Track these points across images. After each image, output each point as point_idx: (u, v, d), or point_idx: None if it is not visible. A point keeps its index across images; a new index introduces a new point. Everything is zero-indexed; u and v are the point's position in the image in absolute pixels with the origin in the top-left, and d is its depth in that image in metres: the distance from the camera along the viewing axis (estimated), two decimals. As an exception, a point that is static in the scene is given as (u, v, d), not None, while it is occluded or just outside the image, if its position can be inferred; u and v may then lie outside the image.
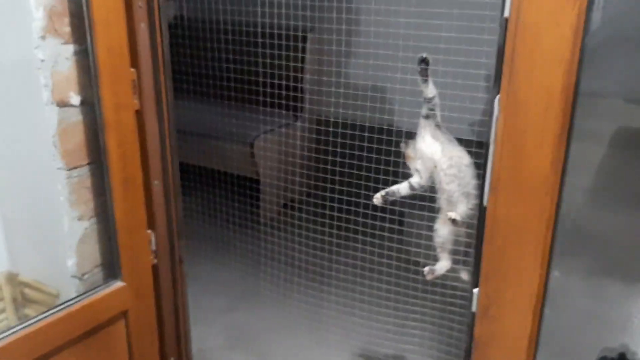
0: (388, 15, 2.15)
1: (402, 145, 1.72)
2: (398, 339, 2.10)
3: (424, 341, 2.01)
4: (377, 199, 1.72)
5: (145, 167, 1.73)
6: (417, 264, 2.28)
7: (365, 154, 2.21)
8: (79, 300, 1.64)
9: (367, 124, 2.36)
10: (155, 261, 1.84)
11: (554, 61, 1.10)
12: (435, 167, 1.60)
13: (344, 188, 2.31)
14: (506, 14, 1.12)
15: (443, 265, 1.66)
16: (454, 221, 1.54)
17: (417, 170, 1.66)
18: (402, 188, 1.68)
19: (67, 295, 1.70)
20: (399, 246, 2.32)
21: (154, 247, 1.82)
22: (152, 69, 1.69)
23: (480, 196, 1.28)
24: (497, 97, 1.18)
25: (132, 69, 1.64)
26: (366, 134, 2.22)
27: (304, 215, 2.50)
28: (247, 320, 2.62)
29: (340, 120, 2.42)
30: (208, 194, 2.99)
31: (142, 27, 1.65)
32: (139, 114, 1.68)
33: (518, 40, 1.11)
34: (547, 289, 1.27)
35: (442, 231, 1.67)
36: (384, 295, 2.25)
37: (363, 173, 2.14)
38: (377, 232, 2.26)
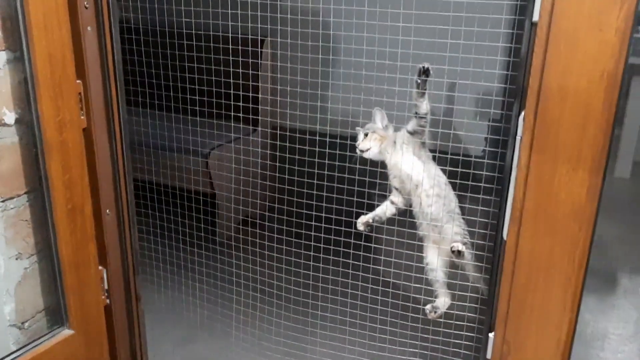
0: (352, 18, 1.98)
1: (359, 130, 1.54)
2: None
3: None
4: (361, 225, 1.54)
5: (95, 194, 1.49)
6: (386, 284, 2.13)
7: (327, 163, 2.04)
8: (19, 355, 1.39)
9: (327, 133, 2.20)
10: (108, 301, 1.60)
11: (594, 72, 0.94)
12: (417, 187, 1.44)
13: (305, 201, 2.12)
14: (535, 17, 0.96)
15: (444, 301, 1.49)
16: (459, 253, 1.38)
17: (394, 188, 1.50)
18: (387, 210, 1.51)
19: (5, 349, 1.43)
20: (369, 265, 2.15)
21: (106, 286, 1.58)
22: (101, 80, 1.45)
23: (498, 228, 1.12)
24: (522, 115, 1.01)
25: (78, 81, 1.40)
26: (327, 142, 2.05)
27: (266, 233, 2.30)
28: (208, 352, 2.39)
29: (297, 130, 2.24)
30: (160, 213, 2.74)
31: (89, 32, 1.41)
32: (86, 132, 1.44)
33: (551, 48, 0.95)
34: (574, 336, 1.12)
35: (434, 262, 1.50)
36: (357, 320, 2.07)
37: (325, 183, 1.98)
38: (343, 250, 2.08)
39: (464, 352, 1.40)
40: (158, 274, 2.62)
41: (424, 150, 1.50)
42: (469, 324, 1.39)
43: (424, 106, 1.40)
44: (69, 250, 1.42)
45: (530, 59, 0.98)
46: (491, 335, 1.17)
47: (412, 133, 1.49)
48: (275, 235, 2.27)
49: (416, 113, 1.42)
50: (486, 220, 1.31)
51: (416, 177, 1.47)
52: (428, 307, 1.52)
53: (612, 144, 1.00)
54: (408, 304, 1.81)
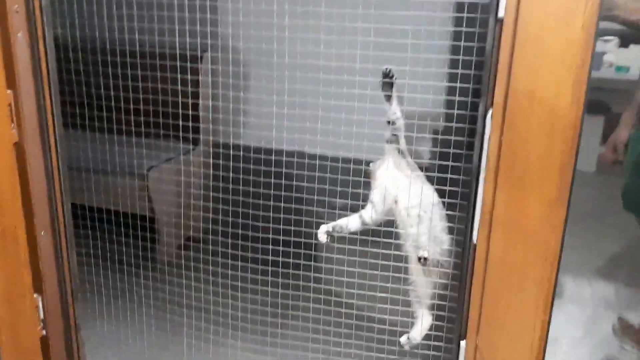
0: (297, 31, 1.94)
1: (371, 165, 1.47)
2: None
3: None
4: (322, 235, 1.48)
5: (29, 215, 1.35)
6: (339, 304, 2.07)
7: (272, 181, 1.98)
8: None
9: (273, 149, 2.14)
10: (44, 332, 1.45)
11: (561, 69, 0.92)
12: (396, 203, 1.38)
13: (249, 222, 2.04)
14: (501, 14, 0.94)
15: (422, 327, 1.40)
16: (424, 260, 1.33)
17: (371, 202, 1.43)
18: (351, 222, 1.45)
19: None
20: (317, 285, 2.09)
21: (42, 316, 1.44)
22: (34, 90, 1.33)
23: (467, 231, 1.08)
24: (490, 113, 0.99)
25: (9, 91, 1.27)
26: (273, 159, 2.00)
27: (208, 257, 2.20)
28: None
29: (242, 147, 2.17)
30: (95, 238, 2.58)
31: (20, 38, 1.30)
32: (18, 147, 1.31)
33: (518, 44, 0.93)
34: (547, 340, 1.09)
35: (420, 282, 1.43)
36: (309, 337, 1.99)
37: (271, 203, 1.91)
38: (291, 271, 2.01)
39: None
40: (99, 302, 2.46)
41: (405, 161, 1.43)
42: (437, 333, 1.34)
43: (392, 111, 1.35)
44: (0, 280, 1.28)
45: (497, 56, 0.96)
46: (463, 343, 1.13)
47: (388, 142, 1.44)
48: (220, 259, 2.18)
49: (387, 120, 1.38)
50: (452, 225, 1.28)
51: (394, 191, 1.41)
52: (403, 338, 1.44)
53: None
54: (362, 323, 1.76)
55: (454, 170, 1.19)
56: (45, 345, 1.47)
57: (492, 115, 0.98)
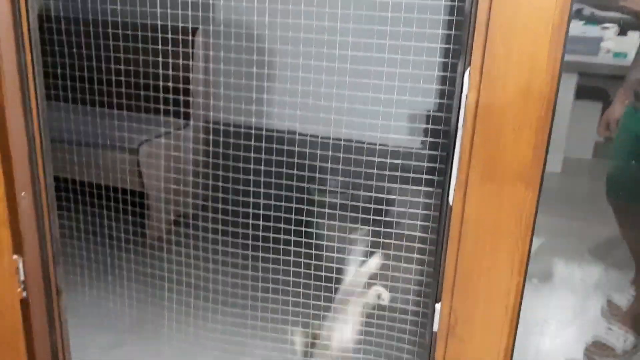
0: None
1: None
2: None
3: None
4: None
5: (9, 176, 1.35)
6: (329, 279, 2.07)
7: (263, 161, 1.97)
8: None
9: (264, 129, 2.13)
10: (24, 294, 1.45)
11: (539, 27, 0.92)
12: None
13: (240, 198, 2.04)
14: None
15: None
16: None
17: None
18: None
19: None
20: (308, 261, 2.09)
21: (22, 277, 1.44)
22: (14, 48, 1.32)
23: (444, 193, 1.08)
24: (468, 70, 0.98)
25: (-13, 49, 1.26)
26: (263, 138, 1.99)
27: (199, 233, 2.19)
28: (138, 356, 2.25)
29: (232, 125, 2.16)
30: (85, 213, 2.57)
31: (0, -5, 1.28)
32: (-2, 107, 1.31)
33: (495, 2, 0.92)
34: (522, 301, 1.09)
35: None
36: (297, 313, 1.99)
37: (262, 179, 1.90)
38: (282, 247, 2.01)
39: (410, 327, 1.36)
40: (83, 276, 2.46)
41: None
42: (414, 298, 1.35)
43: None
44: (-23, 236, 1.28)
45: (472, 14, 0.95)
46: (438, 306, 1.13)
47: None
48: (210, 235, 2.17)
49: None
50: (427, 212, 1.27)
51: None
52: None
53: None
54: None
55: (433, 134, 1.19)
56: (25, 307, 1.47)
57: (469, 74, 0.97)
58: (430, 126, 1.22)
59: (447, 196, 1.07)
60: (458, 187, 1.05)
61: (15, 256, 1.41)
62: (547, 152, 0.98)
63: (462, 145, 1.02)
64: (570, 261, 2.74)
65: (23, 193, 1.40)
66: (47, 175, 1.46)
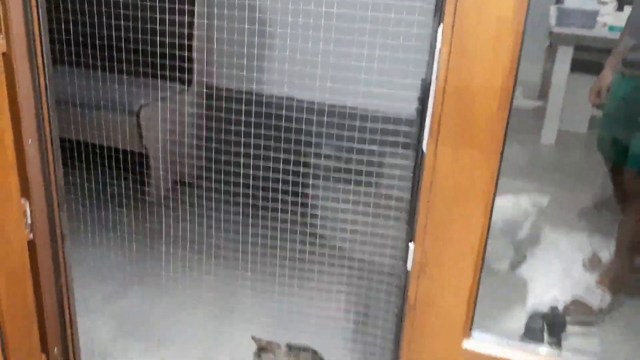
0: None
1: None
2: (310, 313, 1.96)
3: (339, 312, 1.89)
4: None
5: (16, 122, 1.44)
6: (322, 237, 2.17)
7: (262, 125, 2.04)
8: None
9: (264, 94, 2.20)
10: (31, 237, 1.55)
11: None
12: None
13: (241, 161, 2.11)
14: None
15: None
16: None
17: None
18: None
19: None
20: (304, 220, 2.18)
21: (29, 220, 1.54)
22: (22, 13, 1.40)
23: (419, 142, 1.17)
24: (440, 27, 1.06)
25: (-4, 1, 1.34)
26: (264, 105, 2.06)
27: (198, 197, 2.28)
28: (139, 307, 2.36)
29: (234, 90, 2.23)
30: (88, 173, 2.66)
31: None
32: (6, 57, 1.39)
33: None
34: (487, 244, 1.19)
35: None
36: (291, 268, 2.09)
37: (261, 142, 1.98)
38: (280, 207, 2.11)
39: (388, 271, 1.47)
40: (86, 232, 2.56)
41: None
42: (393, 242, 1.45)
43: None
44: (-12, 179, 1.38)
45: (448, -28, 1.02)
46: (411, 245, 1.23)
47: None
48: (213, 195, 2.25)
49: None
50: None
51: None
52: None
53: (539, 114, 1.07)
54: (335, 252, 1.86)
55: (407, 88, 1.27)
56: (32, 249, 1.57)
57: (442, 30, 1.05)
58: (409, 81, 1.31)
59: (421, 145, 1.16)
60: (431, 136, 1.13)
61: (22, 200, 1.50)
62: (512, 99, 1.07)
63: (435, 96, 1.10)
64: (559, 228, 2.84)
65: (30, 140, 1.49)
66: (52, 125, 1.55)
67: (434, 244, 1.20)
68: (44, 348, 1.69)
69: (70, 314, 1.76)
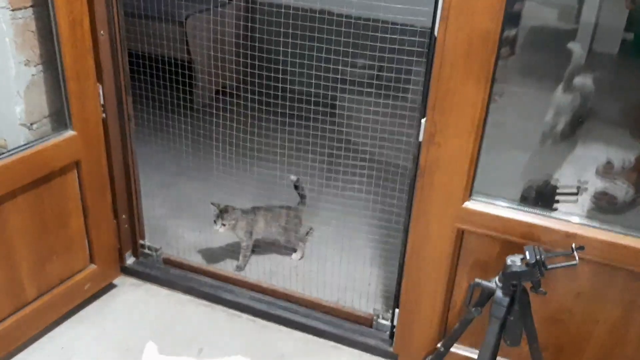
0: None
1: None
2: (340, 201, 2.21)
3: (362, 202, 2.13)
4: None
5: (92, 16, 1.68)
6: (348, 142, 2.38)
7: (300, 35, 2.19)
8: (30, 147, 1.63)
9: (300, 6, 2.33)
10: (104, 115, 1.83)
11: None
12: None
13: (279, 76, 2.28)
14: None
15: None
16: None
17: None
18: None
19: (16, 144, 1.67)
20: (332, 127, 2.39)
21: (102, 101, 1.81)
22: None
23: (432, 29, 1.37)
24: None
25: None
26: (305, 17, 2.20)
27: (237, 101, 2.49)
28: (185, 193, 2.67)
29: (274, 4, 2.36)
30: (138, 80, 2.88)
31: None
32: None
33: None
34: (487, 115, 1.41)
35: None
36: (320, 167, 2.32)
37: (300, 53, 2.14)
38: (312, 116, 2.29)
39: (403, 144, 1.71)
40: (142, 133, 2.82)
41: None
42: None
43: None
44: (71, 61, 1.64)
45: None
46: (423, 120, 1.46)
47: None
48: (246, 104, 2.43)
49: None
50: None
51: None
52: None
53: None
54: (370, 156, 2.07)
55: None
56: (105, 126, 1.85)
57: None
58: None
59: (433, 30, 1.37)
60: (441, 20, 1.34)
61: (97, 83, 1.77)
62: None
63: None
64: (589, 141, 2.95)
65: (102, 32, 1.75)
66: (120, 19, 1.79)
67: (441, 115, 1.43)
68: (115, 214, 2.01)
69: (136, 187, 2.06)
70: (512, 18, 1.42)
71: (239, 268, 2.17)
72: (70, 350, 1.81)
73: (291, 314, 1.95)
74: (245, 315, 1.99)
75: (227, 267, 2.18)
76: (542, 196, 1.61)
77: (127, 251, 2.14)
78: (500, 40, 1.32)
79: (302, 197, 2.26)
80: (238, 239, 2.20)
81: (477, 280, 1.40)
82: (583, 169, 1.98)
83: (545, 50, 1.68)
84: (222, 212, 2.10)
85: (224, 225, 2.10)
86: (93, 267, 1.94)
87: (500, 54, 1.34)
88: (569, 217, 1.47)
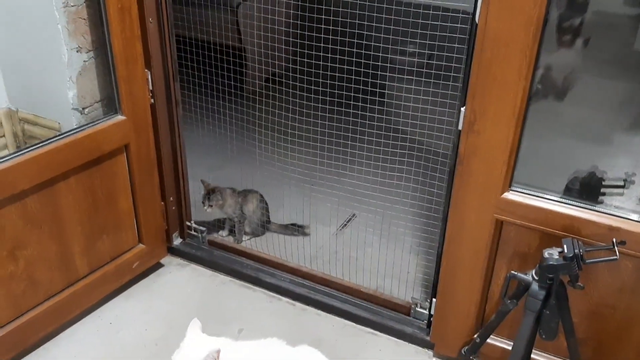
0: None
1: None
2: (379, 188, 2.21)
3: (407, 192, 2.13)
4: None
5: (140, 2, 1.73)
6: (397, 131, 2.36)
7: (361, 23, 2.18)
8: (82, 130, 1.70)
9: None
10: (152, 101, 1.89)
11: None
12: None
13: (328, 64, 2.27)
14: None
15: None
16: None
17: None
18: None
19: (69, 126, 1.75)
20: (380, 116, 2.38)
21: (150, 87, 1.87)
22: None
23: (474, 14, 1.35)
24: None
25: None
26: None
27: (286, 89, 2.50)
28: (234, 176, 2.72)
29: None
30: (190, 67, 2.94)
31: None
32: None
33: None
34: (529, 104, 1.38)
35: None
36: (367, 156, 2.32)
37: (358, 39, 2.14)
38: (360, 104, 2.29)
39: (446, 133, 1.69)
40: (190, 117, 2.89)
41: None
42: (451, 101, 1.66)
43: None
44: (120, 47, 1.70)
45: None
46: (462, 109, 1.44)
47: None
48: (294, 92, 2.45)
49: None
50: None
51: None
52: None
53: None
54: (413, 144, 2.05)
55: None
56: (153, 111, 1.91)
57: None
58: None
59: (474, 16, 1.35)
60: (483, 6, 1.32)
61: (145, 70, 1.83)
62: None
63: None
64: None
65: (150, 19, 1.80)
66: (168, 7, 1.84)
67: (481, 103, 1.40)
68: (163, 196, 2.08)
69: (183, 170, 2.12)
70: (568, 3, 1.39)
71: (237, 241, 2.30)
72: (117, 325, 1.89)
73: (330, 299, 1.97)
74: (284, 299, 2.03)
75: (269, 250, 2.23)
76: (587, 188, 1.56)
77: (174, 232, 2.21)
78: (544, 26, 1.28)
79: None
80: (227, 216, 2.33)
81: (513, 272, 1.38)
82: (636, 162, 1.90)
83: (607, 38, 1.62)
84: (209, 193, 2.23)
85: (210, 206, 2.22)
86: (141, 246, 2.02)
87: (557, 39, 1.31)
88: (613, 211, 1.43)
